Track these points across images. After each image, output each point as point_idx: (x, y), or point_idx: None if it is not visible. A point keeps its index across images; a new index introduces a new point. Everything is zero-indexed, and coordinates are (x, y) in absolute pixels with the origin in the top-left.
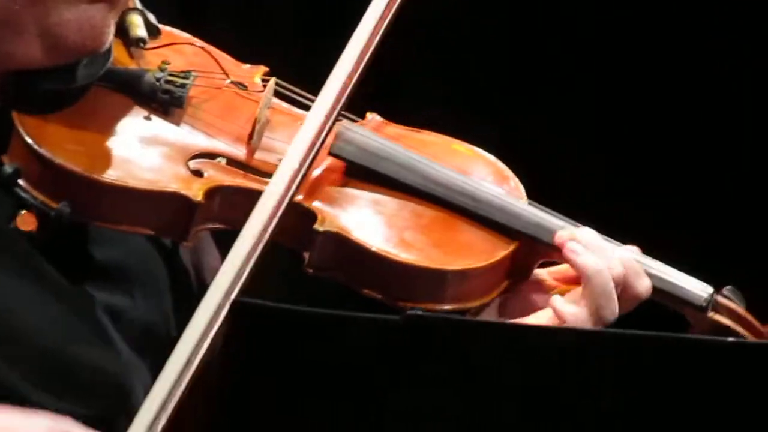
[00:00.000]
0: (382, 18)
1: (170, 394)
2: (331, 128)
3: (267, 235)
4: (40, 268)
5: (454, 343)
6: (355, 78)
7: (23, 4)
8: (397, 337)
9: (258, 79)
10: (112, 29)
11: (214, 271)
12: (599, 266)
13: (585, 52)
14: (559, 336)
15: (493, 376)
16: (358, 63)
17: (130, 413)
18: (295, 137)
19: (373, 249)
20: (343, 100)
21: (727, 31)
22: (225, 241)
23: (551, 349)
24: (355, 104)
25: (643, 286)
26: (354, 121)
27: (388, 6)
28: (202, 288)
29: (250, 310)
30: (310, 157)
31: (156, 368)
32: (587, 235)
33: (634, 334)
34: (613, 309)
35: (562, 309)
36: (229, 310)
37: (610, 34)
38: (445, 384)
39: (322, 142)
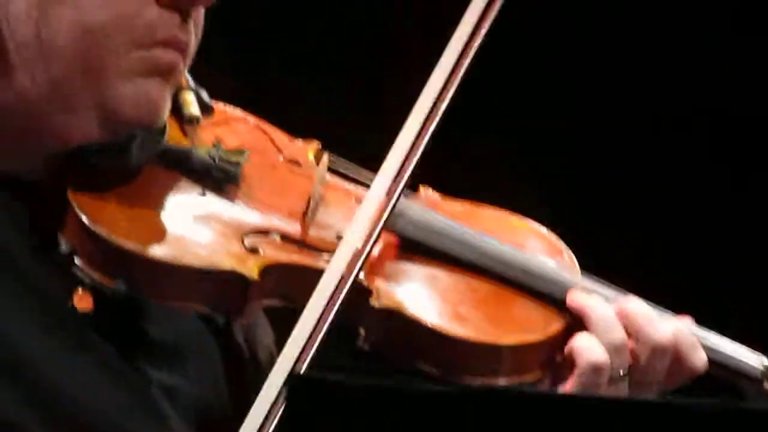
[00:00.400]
0: (446, 88)
1: None
2: (395, 205)
3: (330, 316)
4: (96, 347)
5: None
6: (418, 153)
7: (81, 81)
8: (463, 408)
9: (311, 155)
10: (168, 103)
11: (268, 349)
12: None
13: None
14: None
15: None
16: (421, 137)
17: None
18: (357, 212)
19: (429, 324)
20: (406, 175)
21: None
22: (278, 319)
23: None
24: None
25: (700, 360)
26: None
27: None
28: (256, 365)
29: (307, 383)
30: (374, 236)
31: None
32: (635, 305)
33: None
34: None
35: None
36: (287, 384)
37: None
38: None
39: (388, 217)
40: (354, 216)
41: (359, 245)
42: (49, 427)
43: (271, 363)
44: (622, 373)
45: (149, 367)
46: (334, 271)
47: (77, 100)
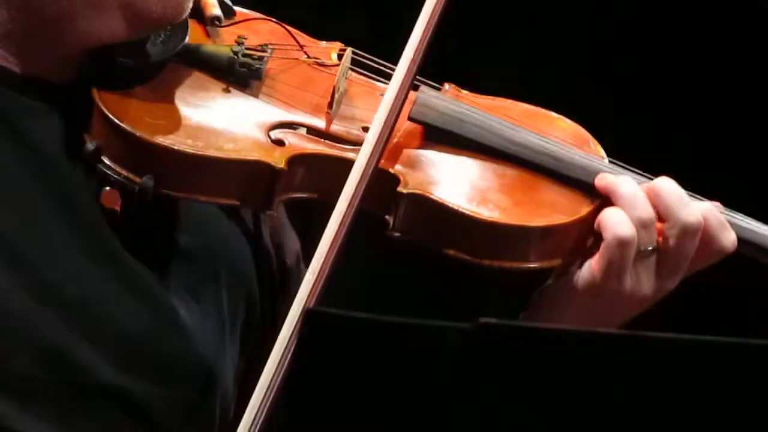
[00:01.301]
0: None
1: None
2: (408, 91)
3: (357, 201)
4: (121, 254)
5: (528, 351)
6: (427, 41)
7: None
8: (469, 344)
9: (334, 55)
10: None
11: (296, 255)
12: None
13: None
14: (650, 343)
15: (571, 387)
16: (428, 28)
17: (216, 394)
18: (381, 104)
19: (457, 208)
20: (418, 62)
21: None
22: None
23: (641, 357)
24: (432, 76)
25: (728, 239)
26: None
27: None
28: (284, 270)
29: (320, 318)
30: (392, 122)
31: (245, 351)
32: (665, 184)
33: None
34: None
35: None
36: (302, 319)
37: None
38: (517, 393)
39: (401, 107)
40: (375, 106)
41: (384, 136)
42: (64, 328)
43: (298, 267)
44: (650, 248)
45: (180, 274)
46: (361, 160)
47: (105, 1)
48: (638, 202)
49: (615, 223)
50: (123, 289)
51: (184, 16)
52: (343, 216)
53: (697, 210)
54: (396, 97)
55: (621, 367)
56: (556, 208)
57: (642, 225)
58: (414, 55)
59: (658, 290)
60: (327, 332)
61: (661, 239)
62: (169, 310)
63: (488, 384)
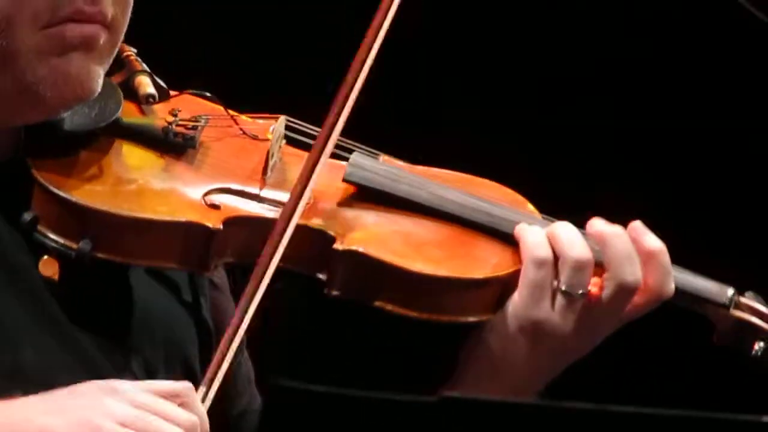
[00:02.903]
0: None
1: None
2: (329, 145)
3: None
4: (58, 318)
5: (493, 425)
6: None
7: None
8: (433, 418)
9: (270, 129)
10: (95, 76)
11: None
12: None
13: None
14: (615, 416)
15: None
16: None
17: None
18: (304, 162)
19: (395, 263)
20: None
21: None
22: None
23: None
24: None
25: (669, 286)
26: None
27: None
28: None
29: (283, 390)
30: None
31: None
32: (616, 239)
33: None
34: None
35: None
36: (266, 391)
37: None
38: None
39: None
40: (303, 167)
41: (311, 195)
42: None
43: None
44: (580, 293)
45: (115, 336)
46: (285, 213)
47: (1, 86)
48: (576, 244)
49: (532, 244)
50: (64, 357)
51: (91, 94)
52: (260, 278)
53: (640, 272)
54: (316, 155)
55: None
56: (492, 261)
57: (576, 267)
58: (337, 113)
59: (587, 337)
60: (285, 405)
61: (595, 289)
62: (108, 377)
63: None
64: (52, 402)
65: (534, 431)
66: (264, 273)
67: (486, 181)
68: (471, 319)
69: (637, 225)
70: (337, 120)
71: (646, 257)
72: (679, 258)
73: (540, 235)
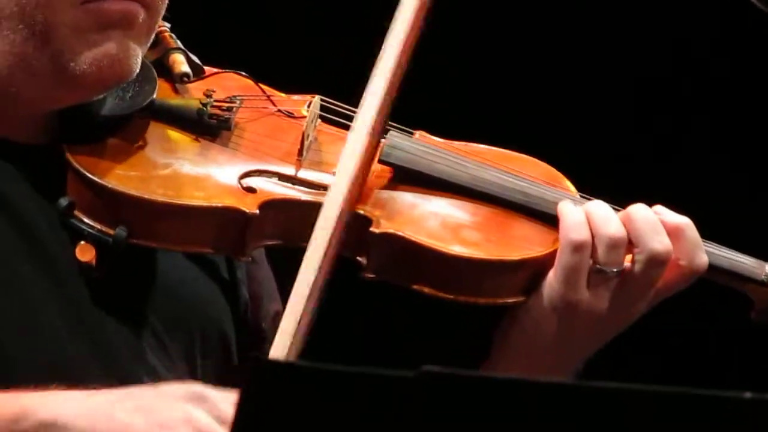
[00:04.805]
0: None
1: None
2: (375, 133)
3: (333, 245)
4: (96, 304)
5: (472, 400)
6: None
7: (33, 45)
8: (411, 393)
9: (304, 110)
10: (135, 55)
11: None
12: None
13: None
14: (596, 392)
15: None
16: (396, 69)
17: None
18: (345, 147)
19: (431, 245)
20: (379, 105)
21: None
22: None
23: (589, 408)
24: (404, 122)
25: (701, 260)
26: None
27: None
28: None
29: (262, 366)
30: (358, 165)
31: None
32: (639, 211)
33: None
34: (580, 295)
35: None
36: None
37: None
38: None
39: (368, 150)
40: (343, 149)
41: (352, 179)
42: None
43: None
44: (615, 270)
45: (151, 320)
46: (330, 204)
47: (36, 66)
48: (611, 222)
49: (570, 227)
50: (93, 351)
51: (130, 75)
52: (319, 263)
53: (668, 240)
54: (360, 139)
55: (566, 416)
56: (529, 242)
57: (611, 245)
58: (380, 95)
59: (622, 315)
60: (270, 382)
61: (628, 264)
62: (134, 376)
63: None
64: (138, 399)
65: (516, 406)
66: (320, 262)
67: (523, 156)
68: (509, 300)
69: (659, 207)
70: (379, 105)
71: (673, 231)
72: (714, 235)
73: (579, 216)
